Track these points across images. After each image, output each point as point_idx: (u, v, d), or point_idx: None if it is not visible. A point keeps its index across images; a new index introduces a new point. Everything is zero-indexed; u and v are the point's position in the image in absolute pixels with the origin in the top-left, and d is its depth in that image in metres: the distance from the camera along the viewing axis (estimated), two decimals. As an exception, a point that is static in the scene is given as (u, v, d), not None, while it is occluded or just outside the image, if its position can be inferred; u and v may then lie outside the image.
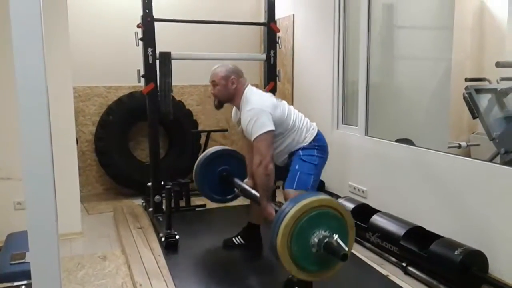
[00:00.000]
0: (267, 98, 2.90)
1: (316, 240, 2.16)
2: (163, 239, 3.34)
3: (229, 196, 3.52)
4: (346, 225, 2.27)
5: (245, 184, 3.18)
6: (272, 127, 2.74)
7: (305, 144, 2.90)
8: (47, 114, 1.28)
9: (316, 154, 2.89)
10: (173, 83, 3.84)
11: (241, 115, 2.87)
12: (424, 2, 4.07)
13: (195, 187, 3.66)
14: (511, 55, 4.14)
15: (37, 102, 1.24)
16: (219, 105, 3.04)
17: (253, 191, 3.00)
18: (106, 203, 4.75)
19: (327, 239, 2.14)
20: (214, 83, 2.99)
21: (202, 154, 3.59)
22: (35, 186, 1.27)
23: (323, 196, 2.29)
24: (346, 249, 2.11)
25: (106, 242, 3.67)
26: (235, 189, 3.31)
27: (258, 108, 2.77)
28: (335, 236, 2.15)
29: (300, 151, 2.89)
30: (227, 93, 2.96)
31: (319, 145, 2.93)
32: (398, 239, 3.09)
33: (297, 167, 2.85)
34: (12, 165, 3.17)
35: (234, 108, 3.08)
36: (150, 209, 4.01)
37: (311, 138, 2.91)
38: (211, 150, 3.58)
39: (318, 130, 2.98)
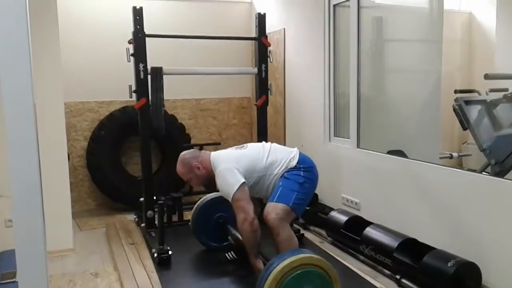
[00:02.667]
0: (230, 154, 2.93)
1: None
2: (155, 255, 3.31)
3: (226, 243, 3.42)
4: (330, 281, 2.34)
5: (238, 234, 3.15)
6: (241, 180, 2.74)
7: (291, 167, 2.88)
8: (35, 131, 1.28)
9: (302, 175, 2.85)
10: (165, 97, 3.84)
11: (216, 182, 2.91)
12: (412, 15, 4.12)
13: (189, 200, 3.63)
14: (500, 67, 4.19)
15: (24, 119, 1.24)
16: (209, 186, 3.05)
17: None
18: (98, 218, 4.72)
19: None
20: (188, 180, 3.11)
21: (199, 201, 3.57)
22: (22, 204, 1.27)
23: (303, 255, 2.35)
24: None
25: (98, 259, 3.63)
26: (229, 238, 3.29)
27: (222, 168, 2.80)
28: None
29: (285, 173, 2.86)
30: (202, 177, 2.98)
31: (305, 166, 2.89)
32: (391, 251, 3.09)
33: (280, 184, 2.83)
34: (2, 183, 3.14)
35: None
36: (143, 225, 3.98)
37: (295, 163, 2.88)
38: (208, 197, 3.55)
39: (301, 153, 2.95)
